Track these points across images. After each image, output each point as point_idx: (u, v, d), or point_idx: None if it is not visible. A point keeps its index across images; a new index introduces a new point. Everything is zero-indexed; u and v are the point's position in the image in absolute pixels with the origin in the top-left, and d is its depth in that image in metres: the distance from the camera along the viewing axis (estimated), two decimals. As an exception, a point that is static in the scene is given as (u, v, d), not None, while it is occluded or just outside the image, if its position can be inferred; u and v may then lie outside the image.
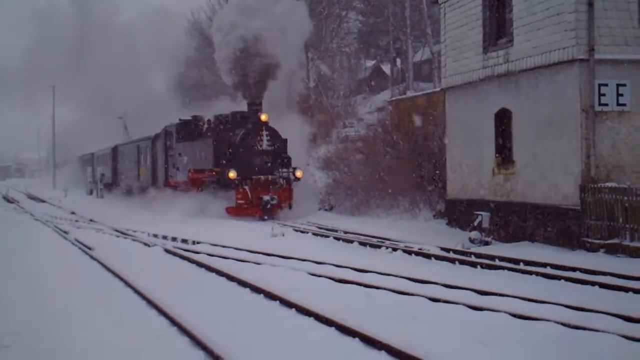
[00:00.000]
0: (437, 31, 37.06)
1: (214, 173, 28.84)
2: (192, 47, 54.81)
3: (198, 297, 11.60)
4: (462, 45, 21.99)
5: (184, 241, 19.81)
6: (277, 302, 10.96)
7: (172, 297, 11.07)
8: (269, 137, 28.19)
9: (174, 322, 9.60)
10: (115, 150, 49.96)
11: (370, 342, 8.32)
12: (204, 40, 52.89)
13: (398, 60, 56.51)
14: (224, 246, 18.18)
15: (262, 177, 27.58)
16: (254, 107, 28.86)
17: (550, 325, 9.00)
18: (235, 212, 27.17)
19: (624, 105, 17.55)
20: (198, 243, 19.28)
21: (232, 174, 26.91)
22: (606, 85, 17.42)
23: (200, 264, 15.13)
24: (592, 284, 12.44)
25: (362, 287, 11.99)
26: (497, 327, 9.07)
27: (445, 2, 22.98)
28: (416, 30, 44.63)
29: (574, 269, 13.86)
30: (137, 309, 10.82)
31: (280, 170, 28.05)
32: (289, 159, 28.71)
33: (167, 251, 17.59)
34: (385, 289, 11.66)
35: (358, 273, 13.50)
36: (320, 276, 13.18)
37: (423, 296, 10.97)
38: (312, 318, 9.75)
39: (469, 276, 13.52)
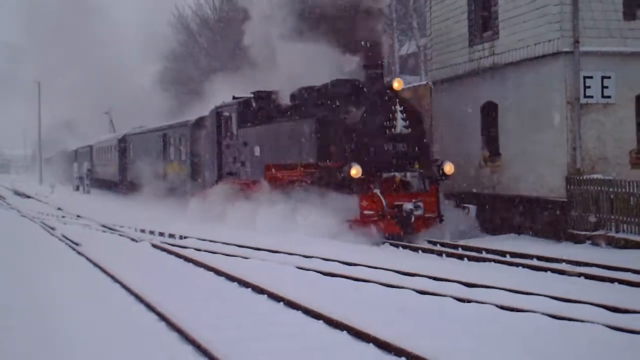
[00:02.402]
0: (423, 24, 37.13)
1: (315, 169, 19.54)
2: (178, 41, 54.64)
3: (186, 292, 11.62)
4: (448, 38, 22.06)
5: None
6: (265, 295, 11.00)
7: (160, 293, 11.07)
8: (404, 115, 18.75)
9: (162, 317, 9.61)
10: (123, 141, 41.03)
11: (358, 334, 8.36)
12: (189, 35, 52.75)
13: (384, 54, 56.43)
14: (212, 241, 18.19)
15: (397, 175, 18.63)
16: (375, 70, 19.49)
17: (536, 316, 9.05)
18: (362, 226, 17.94)
19: (609, 97, 17.68)
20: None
21: (355, 171, 17.79)
22: (591, 77, 17.55)
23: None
24: (578, 275, 12.54)
25: (350, 280, 12.02)
26: (484, 319, 9.12)
27: (431, -5, 22.99)
28: (402, 24, 44.63)
29: (559, 261, 13.94)
30: (125, 304, 10.82)
31: (419, 164, 18.93)
32: (428, 147, 20.17)
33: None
34: (373, 282, 11.71)
35: (346, 266, 13.54)
36: (308, 270, 13.22)
37: (411, 289, 11.01)
38: (300, 312, 9.78)
39: (456, 269, 13.57)
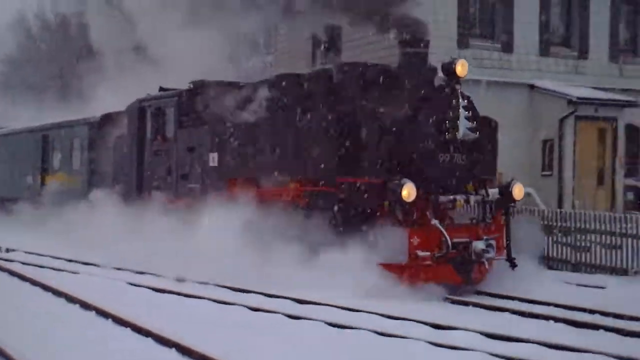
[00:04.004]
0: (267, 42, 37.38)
1: (334, 189, 13.20)
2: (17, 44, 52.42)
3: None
4: (292, 56, 22.35)
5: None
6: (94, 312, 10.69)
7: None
8: (469, 113, 12.98)
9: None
10: None
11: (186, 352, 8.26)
12: (29, 39, 50.75)
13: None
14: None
15: (458, 198, 12.93)
16: (419, 48, 13.60)
17: (364, 333, 9.24)
18: (411, 275, 12.12)
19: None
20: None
21: (408, 191, 12.11)
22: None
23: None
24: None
25: (181, 297, 11.89)
26: (313, 335, 9.23)
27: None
28: (248, 39, 44.76)
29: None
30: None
31: (478, 183, 13.52)
32: (495, 160, 14.45)
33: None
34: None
35: (178, 284, 13.32)
36: (139, 286, 12.95)
37: (243, 305, 10.99)
38: (128, 329, 9.56)
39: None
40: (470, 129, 12.86)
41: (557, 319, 10.39)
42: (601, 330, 9.83)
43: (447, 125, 12.77)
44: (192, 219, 14.89)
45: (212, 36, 18.32)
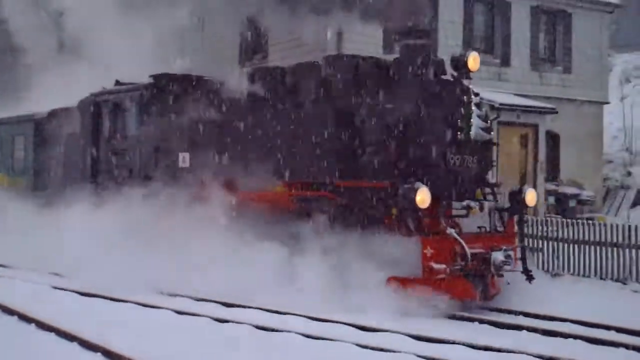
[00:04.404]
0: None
1: (330, 194, 12.05)
2: None
3: None
4: (221, 58, 22.27)
5: None
6: None
7: None
8: (481, 110, 12.24)
9: None
10: None
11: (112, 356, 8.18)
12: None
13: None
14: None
15: (472, 204, 11.87)
16: (420, 39, 12.23)
17: (292, 335, 9.29)
18: (424, 288, 10.84)
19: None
20: None
21: (422, 196, 10.87)
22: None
23: None
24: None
25: (107, 301, 11.82)
26: (242, 338, 9.23)
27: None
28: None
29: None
30: None
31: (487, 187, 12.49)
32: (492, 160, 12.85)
33: None
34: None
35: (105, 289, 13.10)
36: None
37: (169, 309, 10.94)
38: (53, 333, 9.40)
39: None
40: (483, 129, 11.96)
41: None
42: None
43: (459, 123, 11.63)
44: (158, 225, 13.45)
45: (143, 33, 18.17)
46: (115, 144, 16.48)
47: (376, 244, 11.03)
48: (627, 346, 9.14)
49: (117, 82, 17.40)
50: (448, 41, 19.90)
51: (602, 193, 22.87)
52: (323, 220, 11.76)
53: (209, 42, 22.93)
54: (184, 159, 14.73)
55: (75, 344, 8.81)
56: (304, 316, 10.43)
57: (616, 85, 29.24)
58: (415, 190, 10.80)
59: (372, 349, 8.58)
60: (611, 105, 26.35)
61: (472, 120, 11.65)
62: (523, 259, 12.00)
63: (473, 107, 11.70)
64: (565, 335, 9.72)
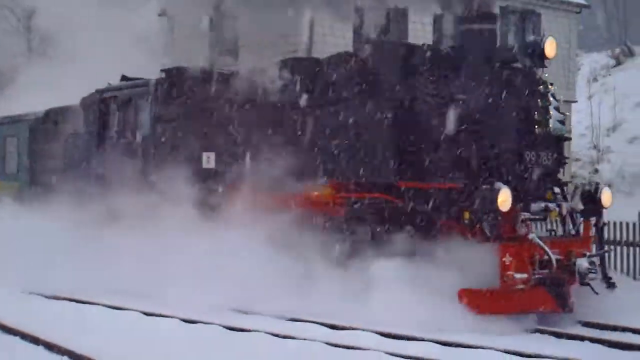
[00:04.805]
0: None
1: (389, 196, 10.80)
2: None
3: None
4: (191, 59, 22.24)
5: None
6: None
7: None
8: (558, 102, 11.18)
9: None
10: None
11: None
12: None
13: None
14: None
15: (551, 206, 10.75)
16: (486, 24, 11.11)
17: (259, 335, 9.23)
18: (503, 303, 9.77)
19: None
20: None
21: (504, 198, 9.73)
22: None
23: None
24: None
25: (73, 303, 11.82)
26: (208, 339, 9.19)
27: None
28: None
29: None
30: None
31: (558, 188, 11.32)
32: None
33: None
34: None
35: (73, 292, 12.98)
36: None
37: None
38: (17, 337, 9.38)
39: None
40: (560, 122, 10.92)
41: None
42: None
43: (536, 116, 10.63)
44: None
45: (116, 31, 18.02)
46: (126, 144, 14.96)
47: (446, 251, 9.88)
48: None
49: (124, 77, 15.99)
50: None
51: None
52: (380, 225, 10.68)
53: (179, 42, 22.89)
54: (208, 159, 13.41)
55: (40, 347, 8.76)
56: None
57: (584, 84, 29.59)
58: (496, 192, 9.72)
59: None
60: (579, 103, 26.66)
61: (550, 112, 10.71)
62: (603, 265, 10.89)
63: (551, 99, 10.77)
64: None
